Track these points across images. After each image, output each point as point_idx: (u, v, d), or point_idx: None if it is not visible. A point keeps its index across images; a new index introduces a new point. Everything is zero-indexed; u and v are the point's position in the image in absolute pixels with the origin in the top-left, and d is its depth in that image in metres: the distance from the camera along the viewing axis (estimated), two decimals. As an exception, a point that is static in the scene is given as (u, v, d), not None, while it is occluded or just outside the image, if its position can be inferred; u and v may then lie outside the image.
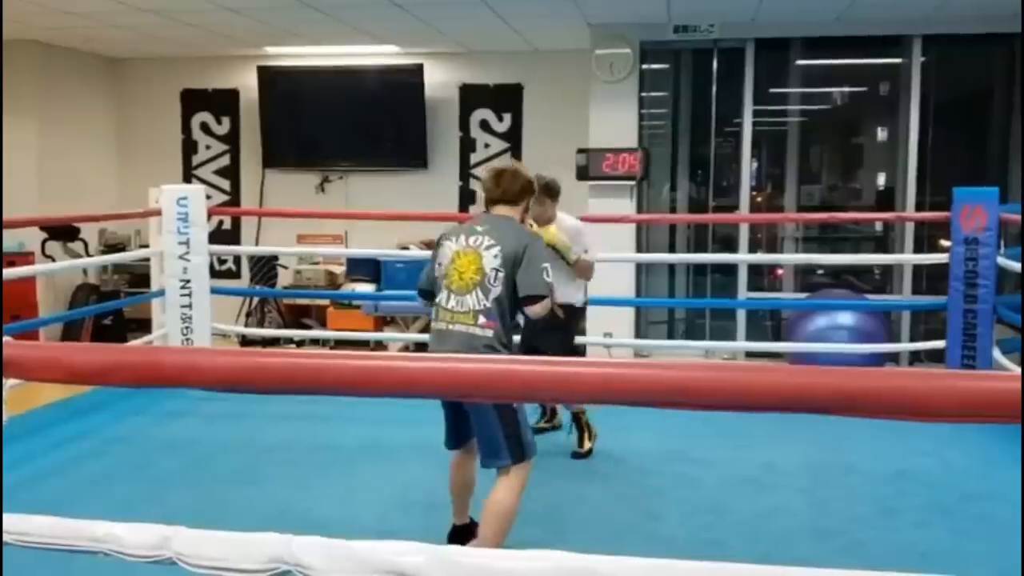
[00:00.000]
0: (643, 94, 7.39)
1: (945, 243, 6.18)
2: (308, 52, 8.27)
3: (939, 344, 6.00)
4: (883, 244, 7.90)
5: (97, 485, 4.32)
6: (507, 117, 8.36)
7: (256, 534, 1.65)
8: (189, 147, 8.89)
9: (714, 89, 7.48)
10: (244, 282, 8.65)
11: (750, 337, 7.54)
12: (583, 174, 7.13)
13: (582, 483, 4.35)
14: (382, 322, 8.05)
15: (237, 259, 8.80)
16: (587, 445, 4.75)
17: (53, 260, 7.62)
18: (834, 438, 4.88)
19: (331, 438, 4.98)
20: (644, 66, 7.37)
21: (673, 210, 7.82)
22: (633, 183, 7.20)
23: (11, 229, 7.19)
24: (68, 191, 8.09)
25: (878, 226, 7.99)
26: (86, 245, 8.04)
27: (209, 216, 6.42)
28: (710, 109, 7.51)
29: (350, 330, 7.52)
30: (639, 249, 7.45)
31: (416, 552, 1.56)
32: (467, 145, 8.44)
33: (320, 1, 6.24)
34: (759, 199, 7.94)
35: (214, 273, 7.13)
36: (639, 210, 7.37)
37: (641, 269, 7.58)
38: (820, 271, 7.88)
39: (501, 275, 3.19)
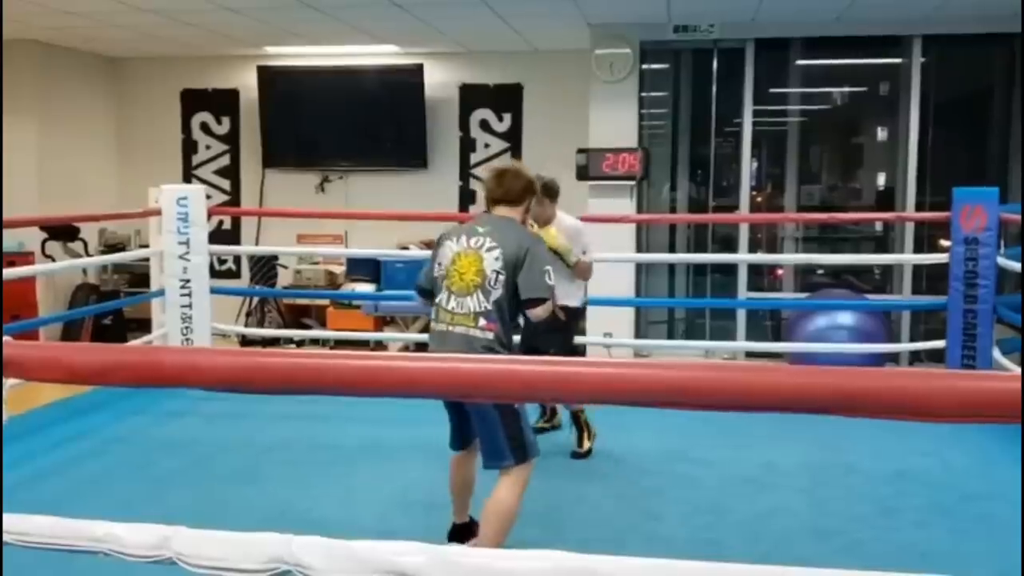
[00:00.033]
0: (643, 94, 7.39)
1: (945, 243, 6.18)
2: (308, 52, 8.27)
3: (939, 344, 6.00)
4: (883, 244, 7.90)
5: (97, 485, 4.32)
6: (507, 117, 8.36)
7: (256, 534, 1.65)
8: (189, 147, 8.89)
9: (714, 89, 7.48)
10: (244, 282, 8.65)
11: (750, 337, 7.54)
12: (583, 174, 7.13)
13: (582, 483, 4.35)
14: (382, 322, 8.05)
15: (237, 259, 8.80)
16: (586, 445, 4.75)
17: (53, 260, 7.62)
18: (834, 438, 4.88)
19: (331, 438, 4.98)
20: (644, 66, 7.37)
21: (673, 210, 7.82)
22: (633, 183, 7.20)
23: (11, 229, 7.20)
24: (68, 191, 8.09)
25: (878, 226, 7.99)
26: (86, 245, 8.04)
27: (209, 216, 6.42)
28: (710, 109, 7.51)
29: (350, 330, 7.52)
30: (639, 249, 7.45)
31: (416, 552, 1.56)
32: (467, 145, 8.44)
33: (320, 1, 6.24)
34: (759, 199, 7.94)
35: (214, 273, 7.13)
36: (639, 210, 7.37)
37: (641, 269, 7.58)
38: (820, 271, 7.88)
39: (502, 278, 3.18)
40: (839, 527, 3.82)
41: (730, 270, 7.54)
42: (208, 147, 8.87)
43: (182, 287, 6.25)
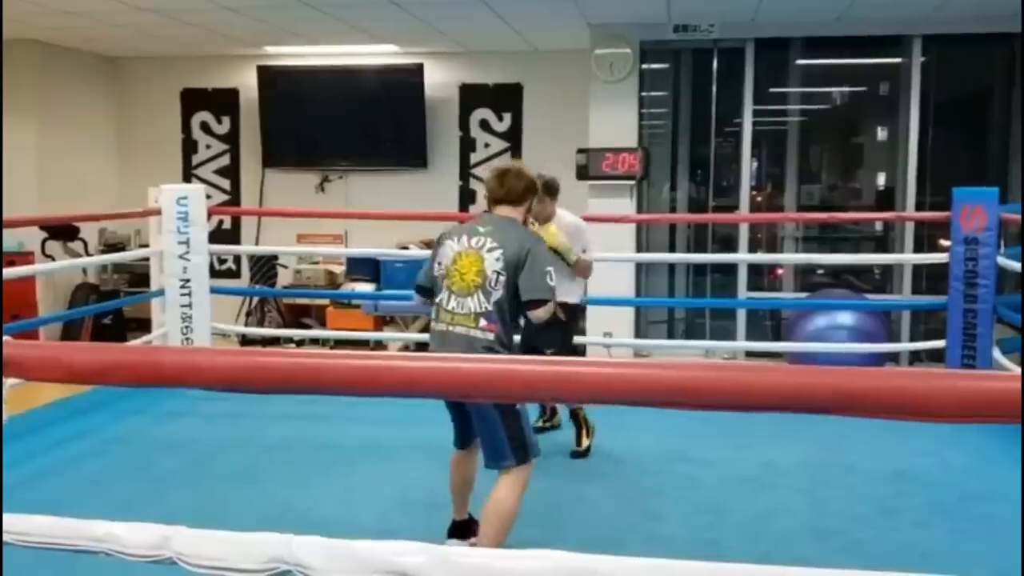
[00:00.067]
0: (643, 94, 7.39)
1: (945, 243, 6.18)
2: (308, 52, 8.27)
3: (939, 344, 6.00)
4: (883, 244, 7.90)
5: (97, 485, 4.31)
6: (507, 117, 8.36)
7: (256, 534, 1.65)
8: (189, 146, 8.89)
9: (714, 89, 7.48)
10: (244, 282, 8.65)
11: (750, 337, 7.54)
12: (583, 174, 7.13)
13: (582, 483, 4.35)
14: (382, 322, 8.05)
15: (237, 259, 8.80)
16: (585, 443, 4.75)
17: (53, 259, 7.62)
18: (834, 438, 4.88)
19: (331, 438, 4.98)
20: (644, 66, 7.37)
21: (673, 210, 7.82)
22: (633, 183, 7.20)
23: (11, 229, 7.19)
24: (68, 191, 8.09)
25: (878, 226, 7.99)
26: (86, 245, 8.04)
27: (209, 216, 6.41)
28: (710, 109, 7.51)
29: (350, 330, 7.52)
30: (639, 249, 7.45)
31: (416, 552, 1.56)
32: (467, 145, 8.44)
33: (319, 0, 6.24)
34: (759, 199, 7.94)
35: (214, 273, 7.13)
36: (639, 210, 7.37)
37: (641, 269, 7.58)
38: (820, 271, 7.88)
39: (503, 278, 3.17)
40: (839, 527, 3.82)
41: (730, 270, 7.54)
42: (208, 147, 8.87)
43: (182, 287, 6.25)
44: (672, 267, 7.88)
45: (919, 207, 7.18)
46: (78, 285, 8.19)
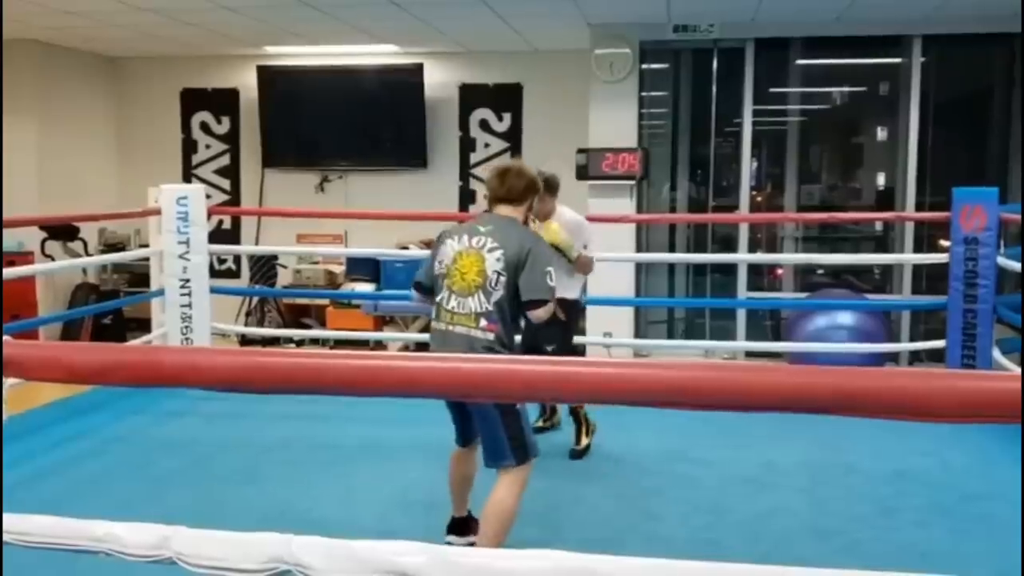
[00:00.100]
0: (643, 94, 7.39)
1: (945, 243, 6.18)
2: (307, 52, 8.27)
3: (939, 344, 6.00)
4: (883, 244, 7.90)
5: (96, 484, 4.31)
6: (507, 117, 8.36)
7: (256, 534, 1.65)
8: (189, 146, 8.89)
9: (714, 89, 7.48)
10: (244, 282, 8.65)
11: (750, 337, 7.54)
12: (583, 174, 7.13)
13: (581, 483, 4.35)
14: (382, 322, 8.05)
15: (237, 259, 8.80)
16: (584, 441, 4.74)
17: (52, 259, 7.62)
18: (834, 438, 4.88)
19: (331, 438, 4.98)
20: (644, 66, 7.37)
21: (673, 210, 7.82)
22: (633, 183, 7.20)
23: (11, 229, 7.19)
24: (68, 191, 8.09)
25: (878, 226, 7.99)
26: (85, 244, 8.04)
27: (209, 215, 6.41)
28: (710, 109, 7.51)
29: (350, 330, 7.52)
30: (639, 249, 7.45)
31: (416, 552, 1.56)
32: (467, 145, 8.44)
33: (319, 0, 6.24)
34: (759, 199, 7.94)
35: (214, 273, 7.13)
36: (639, 210, 7.37)
37: (641, 269, 7.58)
38: (820, 271, 7.88)
39: (503, 278, 3.17)
40: (839, 527, 3.82)
41: (730, 270, 7.54)
42: (208, 147, 8.87)
43: (182, 287, 6.25)
44: (672, 267, 7.88)
45: (919, 207, 7.18)
46: (78, 285, 8.19)
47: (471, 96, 8.38)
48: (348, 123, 8.36)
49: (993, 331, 5.78)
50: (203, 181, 8.53)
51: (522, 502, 3.19)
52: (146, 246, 6.88)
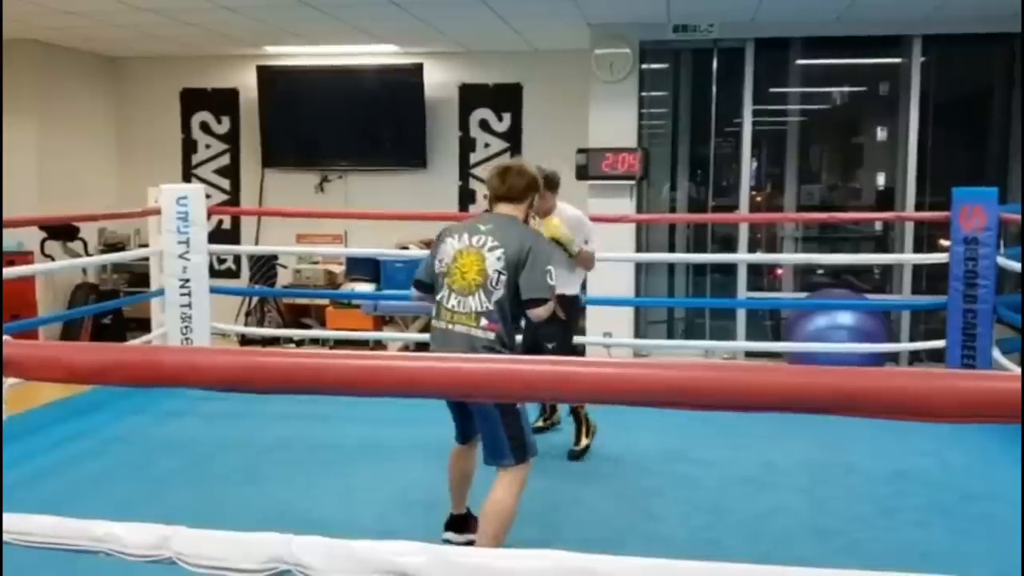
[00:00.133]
0: (643, 94, 7.39)
1: (945, 243, 6.18)
2: (307, 52, 8.27)
3: (939, 344, 6.00)
4: (883, 244, 7.90)
5: (96, 484, 4.31)
6: (507, 117, 8.36)
7: (256, 534, 1.65)
8: (189, 146, 8.89)
9: (714, 89, 7.48)
10: (243, 282, 8.65)
11: (750, 337, 7.54)
12: (583, 174, 7.13)
13: (581, 483, 4.35)
14: (381, 322, 8.05)
15: (237, 258, 8.80)
16: (584, 442, 4.73)
17: (52, 259, 7.62)
18: (834, 438, 4.88)
19: (331, 438, 4.98)
20: (644, 66, 7.37)
21: (673, 210, 7.82)
22: (633, 183, 7.20)
23: (11, 228, 7.19)
24: (68, 191, 8.09)
25: (878, 226, 7.99)
26: (85, 244, 8.04)
27: (209, 215, 6.42)
28: (710, 109, 7.51)
29: (349, 330, 7.52)
30: (639, 249, 7.45)
31: (416, 552, 1.56)
32: (467, 145, 8.44)
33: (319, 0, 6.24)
34: (759, 199, 7.93)
35: (213, 272, 7.13)
36: (639, 210, 7.37)
37: (640, 269, 7.58)
38: (820, 271, 7.88)
39: (504, 278, 3.17)
40: (839, 527, 3.82)
41: (730, 270, 7.54)
42: (208, 146, 8.88)
43: (182, 287, 6.25)
44: (672, 267, 7.88)
45: (919, 207, 7.18)
46: (78, 285, 8.18)
47: (471, 96, 8.38)
48: (348, 123, 8.36)
49: (993, 331, 5.78)
50: (203, 181, 8.53)
51: (522, 502, 3.19)
52: (146, 246, 6.88)
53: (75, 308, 7.84)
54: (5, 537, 1.69)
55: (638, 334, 7.43)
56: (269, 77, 8.42)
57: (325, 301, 8.17)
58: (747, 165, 7.43)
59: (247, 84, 8.56)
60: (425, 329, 5.90)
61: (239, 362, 1.59)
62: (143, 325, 7.15)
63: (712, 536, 3.71)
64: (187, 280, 6.25)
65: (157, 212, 6.29)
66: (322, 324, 8.16)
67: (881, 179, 7.96)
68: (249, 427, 5.18)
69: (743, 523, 3.86)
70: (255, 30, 7.34)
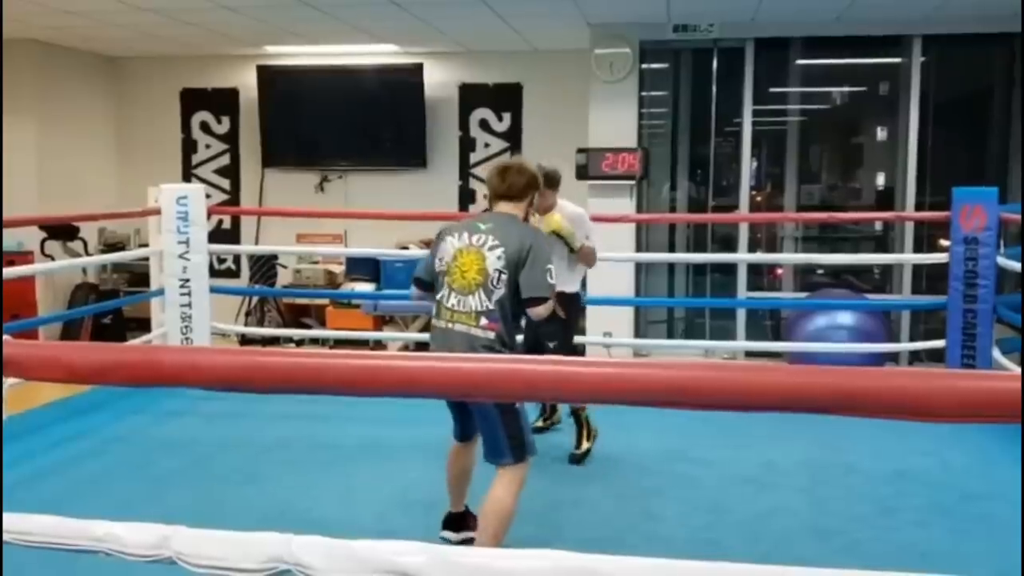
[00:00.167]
0: (643, 94, 7.38)
1: (945, 243, 6.18)
2: (307, 51, 8.27)
3: (939, 344, 6.00)
4: (883, 244, 7.90)
5: (96, 484, 4.31)
6: (507, 117, 8.36)
7: (256, 533, 1.65)
8: (189, 146, 8.89)
9: (714, 89, 7.48)
10: (243, 281, 8.65)
11: (750, 337, 7.54)
12: (583, 174, 7.13)
13: (581, 482, 4.35)
14: (381, 321, 8.05)
15: (237, 258, 8.80)
16: (585, 445, 4.72)
17: (52, 259, 7.62)
18: (834, 438, 4.88)
19: (331, 438, 4.98)
20: (644, 66, 7.37)
21: (673, 210, 7.82)
22: (633, 183, 7.20)
23: (11, 228, 7.19)
24: (67, 190, 8.09)
25: (878, 226, 7.99)
26: (85, 244, 8.04)
27: (209, 215, 6.41)
28: (710, 109, 7.51)
29: (349, 329, 7.52)
30: (639, 249, 7.45)
31: (416, 552, 1.56)
32: (467, 145, 8.44)
33: None
34: (759, 199, 7.94)
35: (213, 272, 7.13)
36: (639, 210, 7.37)
37: (640, 269, 7.58)
38: (820, 271, 7.88)
39: (504, 277, 3.17)
40: (839, 527, 3.82)
41: (730, 270, 7.54)
42: (208, 146, 8.88)
43: (182, 286, 6.25)
44: (672, 267, 7.88)
45: (919, 207, 7.18)
46: (78, 285, 8.18)
47: (471, 96, 8.38)
48: (348, 123, 8.36)
49: (993, 331, 5.78)
50: (203, 181, 8.53)
51: (522, 501, 3.20)
52: (146, 246, 6.88)
53: (75, 308, 7.84)
54: (5, 537, 1.69)
55: (638, 334, 7.43)
56: (269, 77, 8.42)
57: (325, 301, 8.17)
58: (747, 165, 7.43)
59: (247, 84, 8.56)
60: (425, 329, 5.89)
61: (239, 362, 1.59)
62: (143, 325, 7.15)
63: (712, 536, 3.71)
64: (187, 280, 6.25)
65: (157, 212, 6.29)
66: (322, 324, 8.16)
67: (881, 179, 7.96)
68: (249, 427, 5.19)
69: (743, 523, 3.86)
70: (255, 30, 7.34)
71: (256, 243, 8.66)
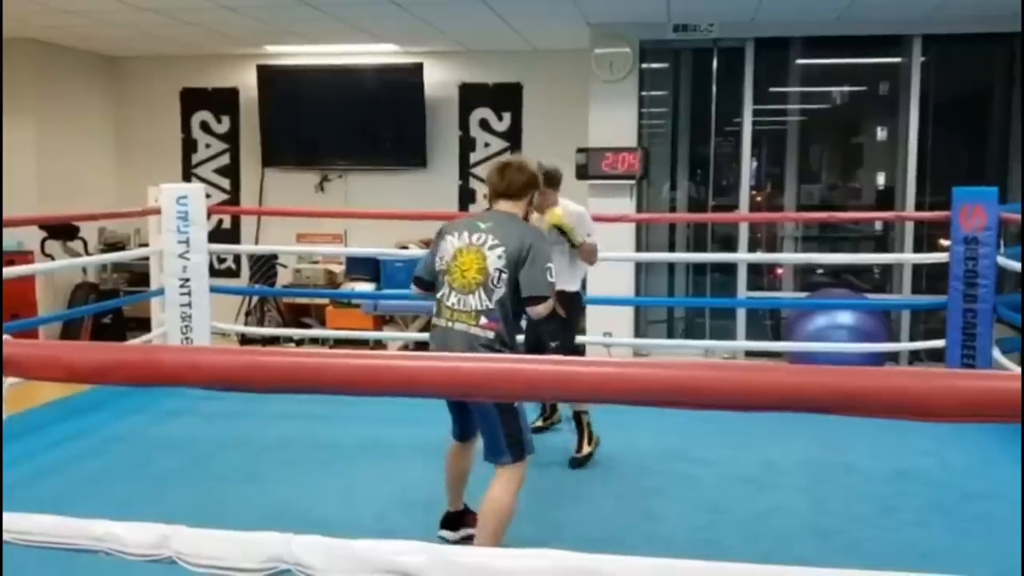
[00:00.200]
0: (643, 93, 7.38)
1: (945, 242, 6.18)
2: (307, 51, 8.27)
3: (939, 343, 6.00)
4: (883, 243, 7.90)
5: (96, 484, 4.31)
6: (507, 116, 8.36)
7: (255, 533, 1.65)
8: (189, 146, 8.89)
9: (714, 88, 7.48)
10: (243, 281, 8.65)
11: (750, 336, 7.54)
12: (583, 173, 7.13)
13: (581, 482, 4.35)
14: (381, 321, 8.05)
15: (237, 258, 8.80)
16: (586, 449, 4.69)
17: (52, 259, 7.62)
18: (834, 437, 4.88)
19: (331, 437, 4.98)
20: (644, 65, 7.37)
21: (673, 209, 7.82)
22: (633, 182, 7.20)
23: (10, 228, 7.19)
24: (67, 190, 8.09)
25: (878, 225, 7.99)
26: (85, 244, 8.04)
27: (209, 215, 6.41)
28: (710, 108, 7.51)
29: (349, 329, 7.52)
30: (639, 248, 7.45)
31: (416, 551, 1.56)
32: (466, 144, 8.44)
33: None
34: (759, 198, 7.93)
35: (213, 272, 7.13)
36: (639, 209, 7.37)
37: (640, 268, 7.58)
38: (820, 270, 7.88)
39: (505, 276, 3.17)
40: (839, 527, 3.82)
41: (730, 269, 7.54)
42: (208, 146, 8.87)
43: (182, 286, 6.25)
44: (672, 267, 7.88)
45: (919, 207, 7.18)
46: (78, 284, 8.18)
47: (471, 95, 8.38)
48: (348, 123, 8.36)
49: (993, 331, 5.78)
50: (203, 180, 8.53)
51: (521, 500, 3.20)
52: (146, 245, 6.88)
53: (75, 308, 7.84)
54: (5, 536, 1.69)
55: (638, 334, 7.43)
56: (269, 76, 8.42)
57: (325, 301, 8.17)
58: (747, 165, 7.43)
59: (247, 83, 8.56)
60: (425, 328, 5.88)
61: (239, 361, 1.59)
62: (143, 325, 7.15)
63: (712, 536, 3.71)
64: (187, 279, 6.25)
65: (157, 211, 6.29)
66: (322, 324, 8.16)
67: (881, 179, 7.96)
68: (249, 426, 5.19)
69: (743, 523, 3.86)
70: (255, 30, 7.34)
71: (256, 243, 8.67)
